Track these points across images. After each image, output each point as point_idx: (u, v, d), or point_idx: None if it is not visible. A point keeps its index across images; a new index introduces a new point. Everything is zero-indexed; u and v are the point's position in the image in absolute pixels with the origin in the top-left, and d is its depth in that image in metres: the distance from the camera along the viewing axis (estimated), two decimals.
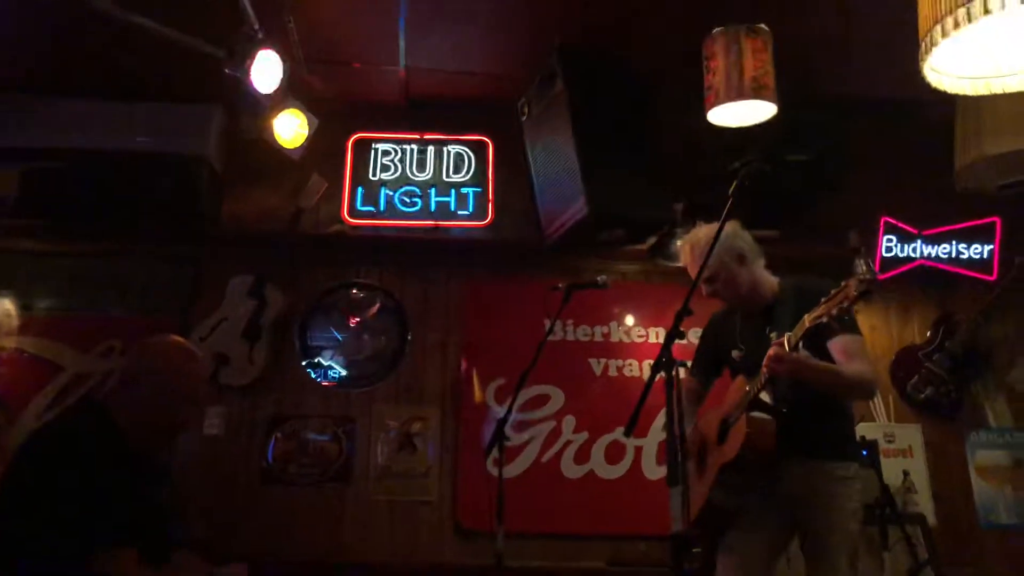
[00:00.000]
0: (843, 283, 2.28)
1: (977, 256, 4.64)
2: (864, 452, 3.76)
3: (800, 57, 3.81)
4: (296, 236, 4.60)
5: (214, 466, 4.30)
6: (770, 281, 2.92)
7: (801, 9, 3.77)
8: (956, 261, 4.65)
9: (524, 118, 4.36)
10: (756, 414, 2.63)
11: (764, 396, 2.65)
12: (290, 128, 4.07)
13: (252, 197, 4.68)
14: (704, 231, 2.87)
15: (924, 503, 4.41)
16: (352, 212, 4.68)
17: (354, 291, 4.74)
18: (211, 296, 4.50)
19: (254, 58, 3.47)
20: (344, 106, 4.67)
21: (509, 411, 3.27)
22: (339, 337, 4.63)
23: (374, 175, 4.74)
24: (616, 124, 4.00)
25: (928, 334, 4.73)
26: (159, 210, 4.44)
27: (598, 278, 3.38)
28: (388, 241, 4.69)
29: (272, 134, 4.03)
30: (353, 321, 4.67)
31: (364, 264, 4.76)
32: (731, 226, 2.77)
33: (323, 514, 4.29)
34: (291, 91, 3.94)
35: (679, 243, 2.99)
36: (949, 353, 4.60)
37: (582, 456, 4.50)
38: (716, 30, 3.62)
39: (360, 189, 4.71)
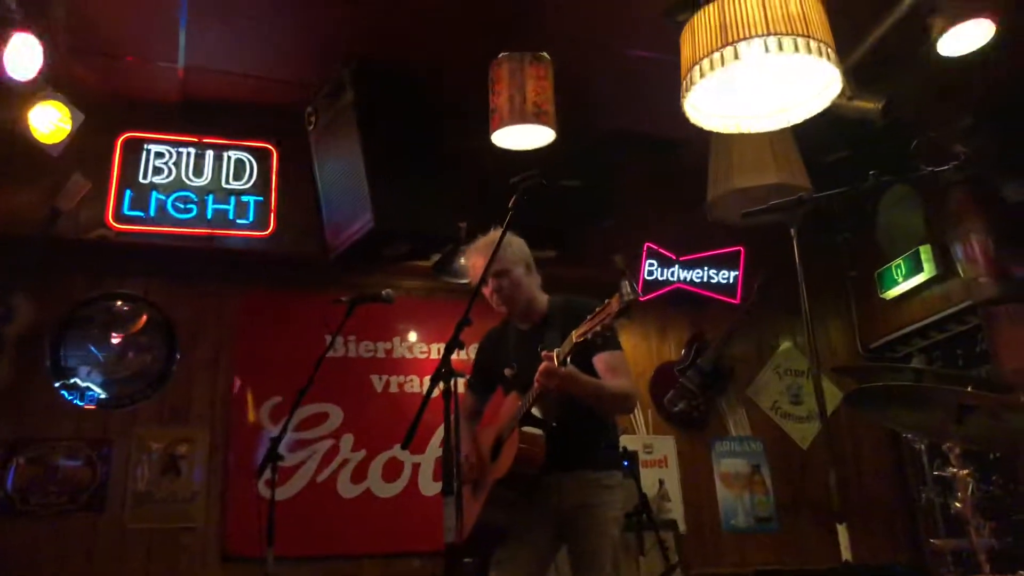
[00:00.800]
0: (606, 301, 2.45)
1: (724, 281, 5.21)
2: (626, 463, 4.00)
3: (579, 91, 4.07)
4: (51, 240, 4.19)
5: None
6: (542, 299, 3.06)
7: (582, 46, 4.02)
8: (707, 285, 5.20)
9: (311, 127, 4.28)
10: (527, 428, 2.73)
11: (535, 411, 2.76)
12: (49, 121, 3.72)
13: None
14: (494, 234, 2.95)
15: (676, 509, 4.81)
16: (118, 216, 4.34)
17: (117, 303, 4.41)
18: None
19: (7, 40, 3.16)
20: (115, 103, 4.36)
21: (284, 430, 3.18)
22: (98, 354, 4.29)
23: (145, 178, 4.44)
24: (405, 140, 4.03)
25: (683, 352, 5.20)
26: None
27: (383, 292, 3.36)
28: (158, 249, 4.41)
29: (27, 126, 3.65)
30: (115, 337, 4.32)
31: (130, 274, 4.47)
32: (518, 239, 2.92)
33: (71, 547, 3.99)
34: (53, 81, 3.62)
35: (465, 252, 3.05)
36: (699, 369, 5.09)
37: (359, 475, 4.46)
38: (502, 55, 3.83)
39: (128, 192, 4.39)
